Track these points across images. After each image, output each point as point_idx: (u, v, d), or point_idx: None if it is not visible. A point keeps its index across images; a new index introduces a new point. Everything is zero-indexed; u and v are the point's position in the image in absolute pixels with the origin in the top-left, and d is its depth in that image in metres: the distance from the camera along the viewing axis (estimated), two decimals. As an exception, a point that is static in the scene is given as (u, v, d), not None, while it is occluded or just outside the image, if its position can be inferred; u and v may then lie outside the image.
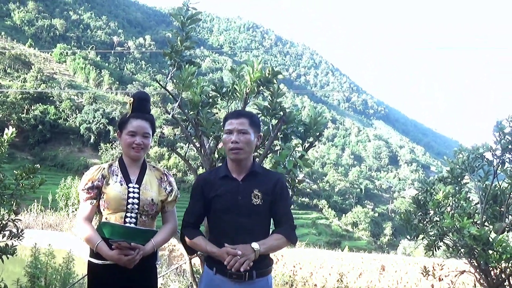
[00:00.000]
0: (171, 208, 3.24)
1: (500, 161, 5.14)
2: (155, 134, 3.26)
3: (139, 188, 3.07)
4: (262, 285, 2.95)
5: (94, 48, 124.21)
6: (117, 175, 3.09)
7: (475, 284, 6.34)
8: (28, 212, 24.29)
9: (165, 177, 3.24)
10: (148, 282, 3.11)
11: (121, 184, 3.05)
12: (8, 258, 4.39)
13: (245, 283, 2.89)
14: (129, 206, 3.01)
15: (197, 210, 3.09)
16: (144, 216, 3.06)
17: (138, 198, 3.04)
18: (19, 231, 4.59)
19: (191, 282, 5.35)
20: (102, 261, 2.96)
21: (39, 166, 4.78)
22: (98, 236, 2.97)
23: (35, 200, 24.94)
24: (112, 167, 3.15)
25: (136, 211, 3.03)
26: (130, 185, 3.06)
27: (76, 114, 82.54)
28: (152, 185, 3.13)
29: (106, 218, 3.05)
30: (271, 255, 3.08)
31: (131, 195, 3.03)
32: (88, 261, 3.05)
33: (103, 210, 3.06)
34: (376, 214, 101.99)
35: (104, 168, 3.13)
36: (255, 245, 2.82)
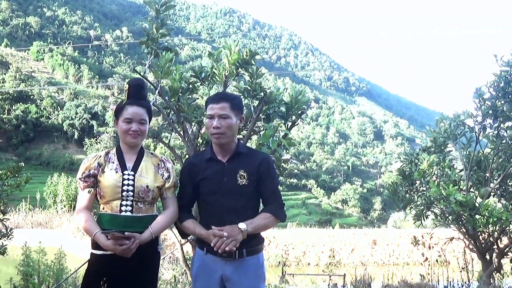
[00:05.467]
0: (171, 195, 3.20)
1: (482, 127, 5.21)
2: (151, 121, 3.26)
3: (134, 175, 3.05)
4: (253, 262, 2.99)
5: (71, 44, 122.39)
6: (113, 163, 3.09)
7: (464, 250, 6.44)
8: (17, 212, 24.22)
9: (162, 163, 3.21)
10: (149, 272, 3.10)
11: (116, 172, 3.04)
12: (-1, 258, 4.38)
13: (236, 262, 2.93)
14: (124, 194, 3.00)
15: (187, 194, 3.14)
16: (140, 203, 3.05)
17: (133, 185, 3.02)
18: (8, 230, 4.58)
19: (184, 269, 5.39)
20: (102, 251, 2.96)
21: (23, 165, 4.76)
22: (96, 226, 2.98)
23: (23, 200, 24.89)
24: (109, 154, 3.15)
25: (131, 198, 3.02)
26: (126, 172, 3.05)
27: (58, 111, 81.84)
28: (148, 171, 3.11)
29: (103, 208, 3.05)
30: (262, 234, 3.11)
31: (125, 182, 3.02)
32: (91, 253, 3.06)
33: (100, 198, 3.07)
34: (365, 190, 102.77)
35: (100, 156, 3.13)
36: (242, 225, 2.86)
